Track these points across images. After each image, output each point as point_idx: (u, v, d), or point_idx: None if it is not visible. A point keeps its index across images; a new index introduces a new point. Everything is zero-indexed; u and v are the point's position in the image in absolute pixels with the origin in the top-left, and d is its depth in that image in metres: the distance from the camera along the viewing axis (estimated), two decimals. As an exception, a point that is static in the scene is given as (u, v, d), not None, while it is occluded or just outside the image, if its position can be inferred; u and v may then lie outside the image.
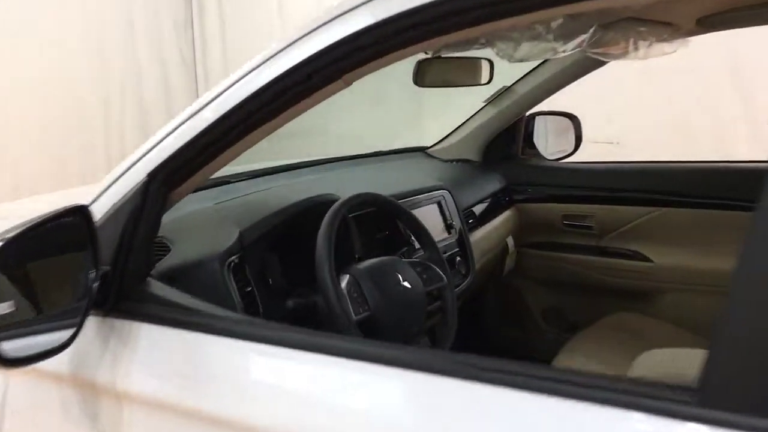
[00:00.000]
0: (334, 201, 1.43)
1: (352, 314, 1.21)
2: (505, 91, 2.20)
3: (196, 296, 1.16)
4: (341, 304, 1.19)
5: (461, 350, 1.82)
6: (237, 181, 1.80)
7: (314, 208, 1.39)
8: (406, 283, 1.33)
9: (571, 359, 1.80)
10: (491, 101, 2.25)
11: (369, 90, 3.08)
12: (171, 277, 1.17)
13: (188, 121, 0.99)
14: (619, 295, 2.19)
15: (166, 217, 1.38)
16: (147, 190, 1.01)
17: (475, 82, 1.69)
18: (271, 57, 0.94)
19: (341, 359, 0.82)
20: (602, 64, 1.97)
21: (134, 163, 1.03)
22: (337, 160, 2.22)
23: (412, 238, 1.61)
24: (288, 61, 0.91)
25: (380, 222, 1.57)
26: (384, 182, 1.92)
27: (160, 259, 1.22)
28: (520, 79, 2.17)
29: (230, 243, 1.23)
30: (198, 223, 1.36)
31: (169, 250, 1.24)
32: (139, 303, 1.02)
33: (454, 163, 2.34)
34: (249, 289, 1.22)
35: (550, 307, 2.35)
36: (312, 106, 0.98)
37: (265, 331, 0.92)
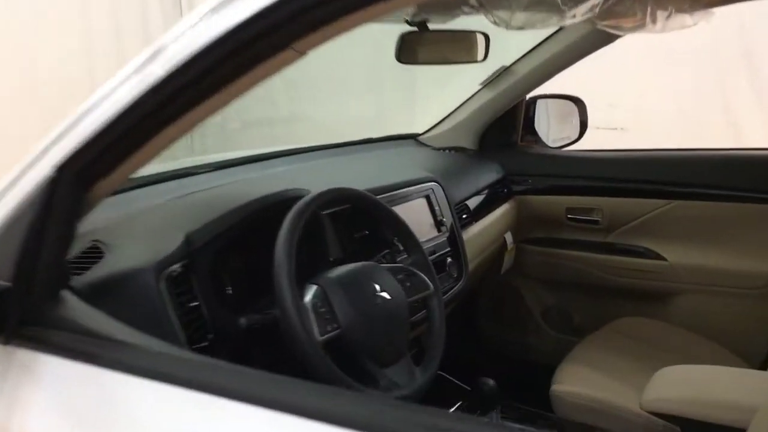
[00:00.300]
0: (299, 197, 1.23)
1: (316, 333, 1.02)
2: (503, 71, 2.00)
3: (124, 317, 0.97)
4: (302, 320, 0.99)
5: (456, 356, 1.64)
6: (199, 174, 1.61)
7: (279, 205, 1.19)
8: (384, 294, 1.13)
9: (576, 368, 1.61)
10: (488, 83, 2.04)
11: (355, 72, 2.86)
12: (99, 292, 0.98)
13: (106, 100, 0.79)
14: (628, 296, 2.00)
15: (107, 217, 1.20)
16: (54, 189, 0.81)
17: (467, 60, 1.48)
18: (202, 18, 0.73)
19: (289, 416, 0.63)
20: (612, 39, 1.76)
21: (39, 156, 0.83)
22: (318, 149, 2.02)
23: (395, 239, 1.41)
24: (227, 22, 0.70)
25: (360, 220, 1.37)
26: (367, 174, 1.72)
27: (90, 268, 1.02)
28: (520, 59, 1.96)
29: (172, 249, 1.03)
30: (141, 225, 1.17)
31: (102, 257, 1.05)
32: (46, 328, 0.82)
33: (448, 151, 2.13)
34: (195, 304, 1.03)
35: (551, 307, 2.16)
36: (261, 80, 0.78)
37: (195, 371, 0.73)
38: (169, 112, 0.77)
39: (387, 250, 1.38)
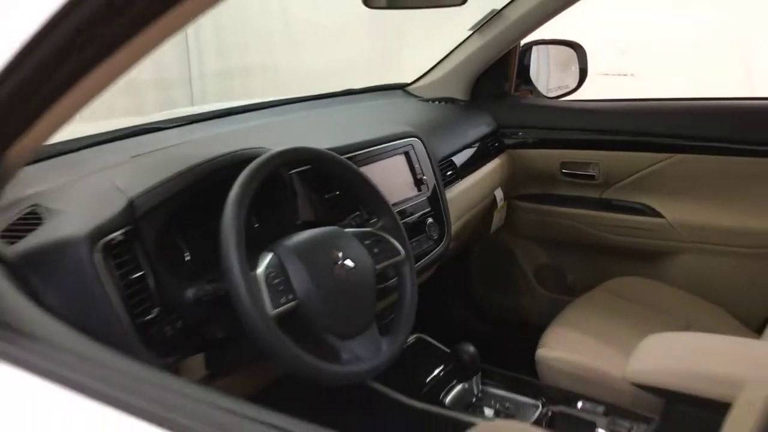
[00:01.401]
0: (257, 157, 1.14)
1: (268, 306, 0.94)
2: (494, 16, 1.86)
3: (57, 291, 0.90)
4: (252, 292, 0.92)
5: (445, 320, 1.54)
6: (168, 128, 1.51)
7: (233, 167, 1.09)
8: (347, 262, 1.05)
9: (564, 332, 1.54)
10: (478, 29, 1.90)
11: (339, 19, 2.69)
12: (31, 262, 0.90)
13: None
14: (624, 255, 1.91)
15: (50, 180, 1.11)
16: None
17: (446, 3, 1.35)
18: None
19: None
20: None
21: None
22: (297, 101, 1.91)
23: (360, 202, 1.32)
24: None
25: (330, 180, 1.28)
26: (345, 128, 1.61)
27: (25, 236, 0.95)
28: (512, 1, 1.82)
29: (111, 215, 0.95)
30: (84, 189, 1.08)
31: (40, 225, 0.97)
32: None
33: (437, 102, 2.02)
34: (139, 274, 0.95)
35: (544, 267, 2.08)
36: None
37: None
38: (82, 57, 0.65)
39: (358, 213, 1.29)
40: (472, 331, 2.14)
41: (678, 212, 1.80)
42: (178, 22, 0.62)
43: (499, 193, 1.91)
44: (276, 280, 0.98)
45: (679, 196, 1.80)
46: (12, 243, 0.94)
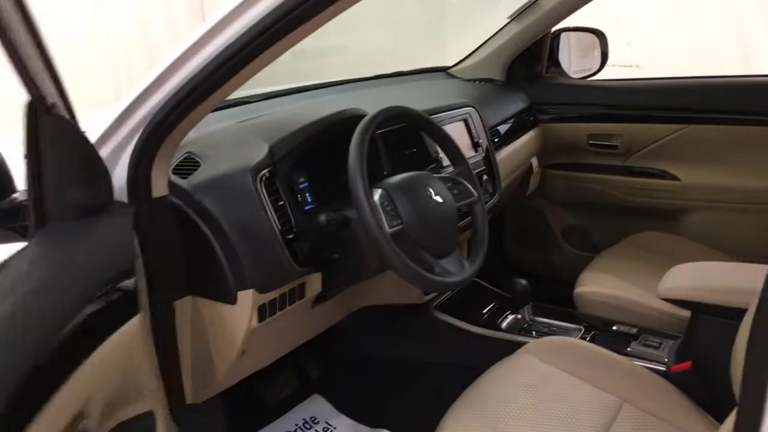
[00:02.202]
0: (362, 115, 1.40)
1: (386, 226, 1.20)
2: (530, 5, 2.13)
3: (229, 209, 1.16)
4: (375, 216, 1.17)
5: (483, 275, 1.79)
6: (256, 101, 1.78)
7: (343, 122, 1.36)
8: (438, 198, 1.31)
9: (595, 276, 1.80)
10: (515, 17, 2.17)
11: (383, 9, 2.96)
12: (203, 190, 1.17)
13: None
14: (644, 214, 2.18)
15: (191, 135, 1.38)
16: None
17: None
18: None
19: None
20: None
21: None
22: (356, 81, 2.17)
23: (440, 155, 1.59)
24: None
25: (407, 139, 1.55)
26: (408, 101, 1.87)
27: (191, 174, 1.21)
28: (546, -7, 2.08)
29: (260, 157, 1.21)
30: (226, 140, 1.34)
31: (199, 165, 1.23)
32: None
33: (477, 82, 2.28)
34: (281, 203, 1.22)
35: (572, 226, 2.34)
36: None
37: None
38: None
39: (432, 165, 1.56)
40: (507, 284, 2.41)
41: (691, 175, 2.07)
42: None
43: (534, 161, 2.18)
44: (388, 208, 1.24)
45: (692, 161, 2.07)
46: (184, 178, 1.20)
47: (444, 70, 2.39)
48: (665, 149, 2.09)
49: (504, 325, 1.68)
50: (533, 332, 1.68)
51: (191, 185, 1.17)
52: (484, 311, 1.75)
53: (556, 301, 1.80)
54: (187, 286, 1.20)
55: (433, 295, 1.74)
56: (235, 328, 1.22)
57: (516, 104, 2.18)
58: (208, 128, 1.43)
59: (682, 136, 2.06)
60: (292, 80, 2.09)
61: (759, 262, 1.92)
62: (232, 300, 1.18)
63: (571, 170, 2.27)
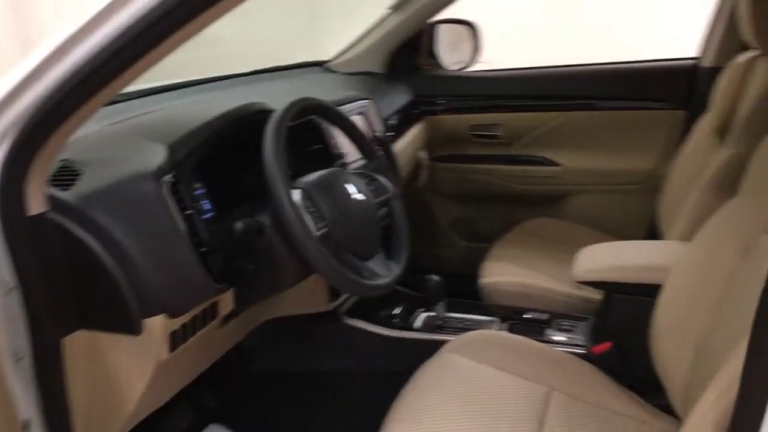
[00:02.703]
0: (267, 110, 1.27)
1: (313, 229, 1.08)
2: (410, -5, 2.09)
3: (127, 223, 0.98)
4: (300, 219, 1.06)
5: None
6: (120, 102, 1.56)
7: (247, 118, 1.22)
8: (358, 195, 1.22)
9: (497, 266, 1.80)
10: (396, 8, 2.12)
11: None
12: (95, 203, 0.98)
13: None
14: (530, 201, 2.23)
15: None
16: None
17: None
18: None
19: None
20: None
21: None
22: (232, 77, 2.00)
23: (343, 151, 1.49)
24: None
25: (312, 135, 1.43)
26: (291, 97, 1.75)
27: (72, 185, 1.01)
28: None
29: (160, 159, 1.04)
30: (107, 142, 1.15)
31: (80, 175, 1.03)
32: None
33: (359, 75, 2.20)
34: (189, 212, 1.05)
35: (460, 219, 2.35)
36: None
37: None
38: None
39: (338, 162, 1.45)
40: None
41: (570, 160, 2.15)
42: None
43: (423, 154, 2.14)
44: (311, 209, 1.12)
45: (570, 147, 2.15)
46: (64, 190, 1.00)
47: (321, 64, 2.29)
48: (545, 137, 2.15)
49: (418, 324, 1.62)
50: (448, 329, 1.64)
51: (76, 197, 0.98)
52: (394, 312, 1.68)
53: (460, 295, 1.77)
54: (78, 319, 1.00)
55: (340, 300, 1.64)
56: (141, 363, 1.04)
57: (402, 97, 2.13)
58: (77, 132, 1.21)
59: (560, 123, 2.13)
60: (159, 77, 1.88)
61: (632, 239, 2.04)
62: (136, 330, 1.00)
63: (457, 162, 2.27)
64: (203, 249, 1.06)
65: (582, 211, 2.16)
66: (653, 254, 1.44)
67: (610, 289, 1.43)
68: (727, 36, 1.89)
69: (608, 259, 1.45)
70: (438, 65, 2.32)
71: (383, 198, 1.30)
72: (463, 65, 2.35)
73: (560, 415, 1.23)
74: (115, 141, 1.15)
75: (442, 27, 2.32)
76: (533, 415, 1.22)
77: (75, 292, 0.98)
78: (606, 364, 1.40)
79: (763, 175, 1.08)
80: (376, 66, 2.23)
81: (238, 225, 1.09)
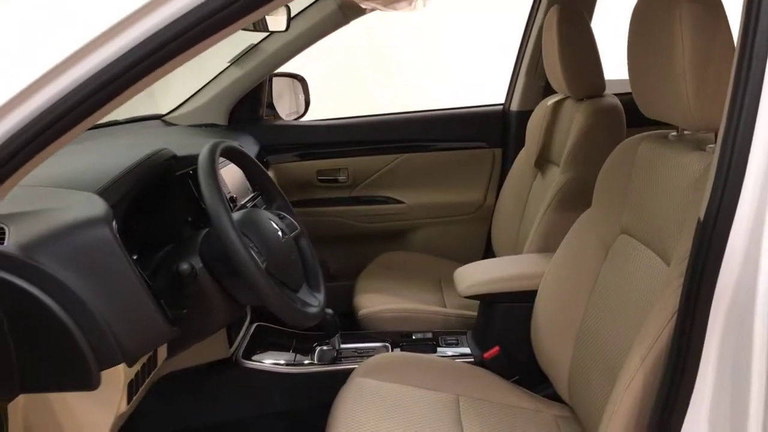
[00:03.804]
0: (175, 156, 1.27)
1: (259, 262, 1.10)
2: (251, 49, 2.15)
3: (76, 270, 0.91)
4: (250, 254, 1.07)
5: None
6: None
7: (161, 165, 1.20)
8: (280, 232, 1.26)
9: (371, 297, 1.92)
10: (236, 62, 2.17)
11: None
12: (34, 252, 0.90)
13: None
14: (377, 238, 2.38)
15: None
16: None
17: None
18: None
19: None
20: (348, 20, 2.09)
21: None
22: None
23: (233, 195, 1.51)
24: None
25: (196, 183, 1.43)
26: (143, 150, 1.68)
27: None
28: (267, 37, 2.14)
29: (101, 206, 0.99)
30: (23, 196, 1.04)
31: (5, 229, 0.94)
32: None
33: (201, 127, 2.19)
34: (135, 256, 1.01)
35: (315, 261, 2.41)
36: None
37: None
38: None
39: (237, 203, 1.47)
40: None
41: (411, 197, 2.36)
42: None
43: (276, 201, 2.19)
44: (249, 245, 1.14)
45: (410, 185, 2.36)
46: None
47: (158, 117, 2.23)
48: (387, 177, 2.34)
49: (316, 359, 1.65)
50: (345, 359, 1.70)
51: (15, 247, 0.89)
52: (290, 350, 1.69)
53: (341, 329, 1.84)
54: (21, 382, 0.90)
55: (236, 345, 1.61)
56: (98, 421, 0.96)
57: (249, 148, 2.16)
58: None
59: (399, 164, 2.34)
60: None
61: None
62: (94, 384, 0.92)
63: (305, 206, 2.35)
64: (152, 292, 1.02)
65: (425, 242, 2.37)
66: (522, 266, 1.67)
67: (491, 300, 1.62)
68: (529, 84, 2.27)
69: (486, 274, 1.65)
70: (277, 116, 2.41)
71: (293, 234, 1.35)
72: (297, 115, 2.47)
73: (473, 417, 1.36)
74: (28, 195, 1.05)
75: (277, 80, 2.42)
76: (452, 419, 1.34)
77: (19, 351, 0.88)
78: (496, 367, 1.58)
79: (611, 190, 1.34)
80: (217, 118, 2.23)
81: (184, 267, 1.07)
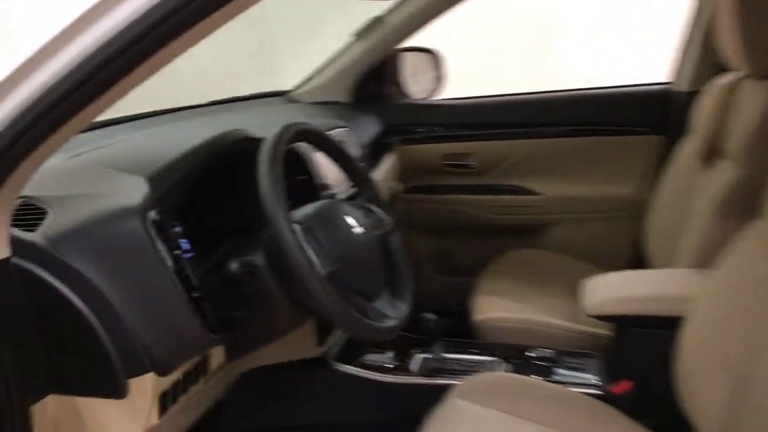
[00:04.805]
0: (251, 138, 1.14)
1: (320, 267, 0.94)
2: (375, 22, 1.99)
3: (111, 264, 0.82)
4: (305, 256, 0.91)
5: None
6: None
7: (229, 147, 1.07)
8: (359, 229, 1.09)
9: (491, 300, 1.70)
10: (360, 36, 2.02)
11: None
12: (64, 244, 0.81)
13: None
14: (508, 232, 2.14)
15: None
16: None
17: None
18: None
19: None
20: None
21: None
22: (190, 108, 1.84)
23: (326, 182, 1.36)
24: None
25: (293, 165, 1.29)
26: (256, 128, 1.61)
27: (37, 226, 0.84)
28: (392, 9, 1.96)
29: (142, 194, 0.88)
30: (73, 177, 0.98)
31: (46, 213, 0.87)
32: None
33: (325, 105, 2.08)
34: (177, 252, 0.89)
35: (437, 252, 2.23)
36: None
37: None
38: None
39: (327, 192, 1.32)
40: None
41: (548, 188, 2.08)
42: None
43: (398, 186, 2.03)
44: (313, 245, 0.98)
45: (546, 175, 2.08)
46: (29, 231, 0.83)
47: (282, 94, 2.15)
48: (521, 164, 2.08)
49: (414, 368, 1.48)
50: (446, 372, 1.50)
51: (46, 239, 0.81)
52: (387, 354, 1.53)
53: (450, 334, 1.64)
54: (48, 382, 0.83)
55: (329, 344, 1.49)
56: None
57: (373, 126, 2.02)
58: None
59: (535, 150, 2.06)
60: (110, 109, 1.70)
61: (616, 269, 1.97)
62: (121, 392, 0.84)
63: (430, 193, 2.16)
64: (196, 295, 0.90)
65: (561, 240, 2.08)
66: (669, 284, 1.35)
67: (625, 322, 1.33)
68: (701, 60, 1.88)
69: (618, 290, 1.36)
70: (404, 94, 2.24)
71: (380, 232, 1.17)
72: (427, 93, 2.28)
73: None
74: (82, 175, 0.98)
75: (406, 55, 2.24)
76: (557, 465, 1.10)
77: (46, 350, 0.81)
78: (626, 405, 1.29)
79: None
80: (342, 95, 2.11)
81: (233, 266, 0.95)
